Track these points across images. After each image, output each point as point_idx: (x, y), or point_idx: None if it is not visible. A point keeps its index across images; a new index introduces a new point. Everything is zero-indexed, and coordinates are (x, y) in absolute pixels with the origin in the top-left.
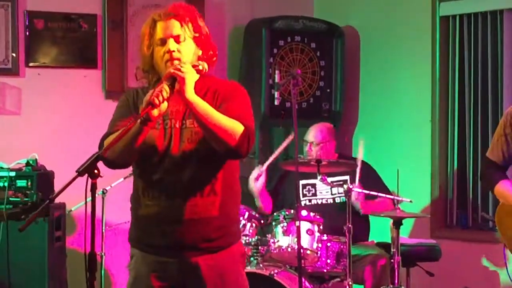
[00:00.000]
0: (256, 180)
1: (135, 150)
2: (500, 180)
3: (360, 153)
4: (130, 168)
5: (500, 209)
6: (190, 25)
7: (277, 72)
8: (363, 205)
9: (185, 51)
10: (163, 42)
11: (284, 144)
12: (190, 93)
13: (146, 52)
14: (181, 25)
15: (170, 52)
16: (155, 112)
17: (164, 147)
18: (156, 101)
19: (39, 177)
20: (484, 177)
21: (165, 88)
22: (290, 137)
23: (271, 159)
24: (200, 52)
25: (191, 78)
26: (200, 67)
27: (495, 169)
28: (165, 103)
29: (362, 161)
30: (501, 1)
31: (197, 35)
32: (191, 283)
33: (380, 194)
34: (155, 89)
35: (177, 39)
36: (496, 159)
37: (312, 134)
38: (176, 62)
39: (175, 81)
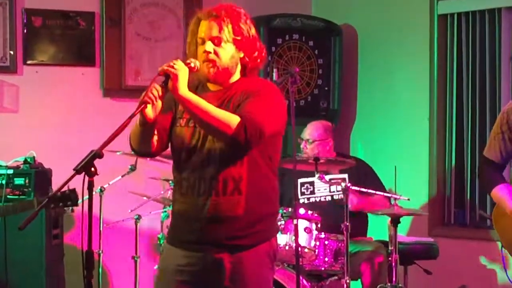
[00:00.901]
0: None
1: (152, 141)
2: (498, 184)
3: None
4: (128, 167)
5: (496, 210)
6: (230, 27)
7: (275, 70)
8: (359, 202)
9: (223, 54)
10: (203, 41)
11: None
12: (183, 89)
13: (190, 49)
14: (221, 28)
15: (206, 53)
16: (150, 111)
17: (192, 145)
18: (148, 100)
19: (37, 175)
20: (482, 177)
21: (156, 86)
22: None
23: None
24: (241, 54)
25: (183, 75)
26: (192, 65)
27: (493, 170)
28: (159, 102)
29: (359, 159)
30: (499, 0)
31: (238, 38)
32: (213, 279)
33: (378, 192)
34: (147, 88)
35: (215, 41)
36: (493, 158)
37: (308, 132)
38: (210, 65)
39: (169, 78)
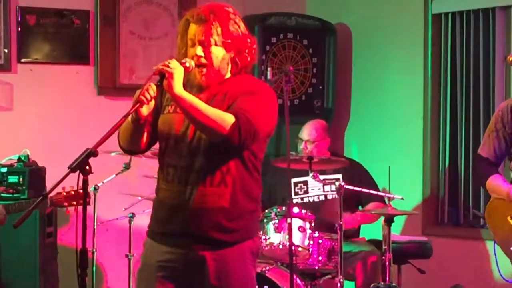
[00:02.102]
0: None
1: (142, 139)
2: (491, 175)
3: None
4: (122, 165)
5: (489, 206)
6: (219, 30)
7: (269, 69)
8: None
9: (214, 57)
10: (193, 43)
11: None
12: (178, 88)
13: (178, 51)
14: (210, 32)
15: (197, 57)
16: (144, 110)
17: (181, 132)
18: (144, 99)
19: (31, 173)
20: (476, 172)
21: (152, 86)
22: None
23: None
24: (232, 54)
25: (178, 73)
26: (187, 64)
27: (487, 165)
28: (153, 101)
29: (353, 160)
30: None
31: (228, 41)
32: (195, 276)
33: (371, 192)
34: (143, 87)
35: (205, 45)
36: (488, 155)
37: (308, 131)
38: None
39: (164, 77)
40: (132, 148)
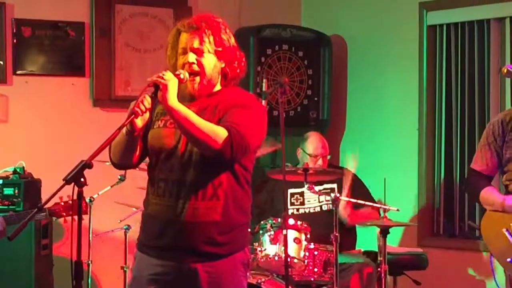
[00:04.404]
0: None
1: (136, 152)
2: (484, 187)
3: (353, 165)
4: (117, 177)
5: (484, 219)
6: (211, 38)
7: (264, 80)
8: (351, 216)
9: (206, 64)
10: (185, 51)
11: (265, 151)
12: (172, 100)
13: (168, 62)
14: (202, 40)
15: (189, 64)
16: (139, 121)
17: (172, 146)
18: (139, 111)
19: (26, 185)
20: (469, 187)
21: (147, 97)
22: (274, 146)
23: None
24: (223, 64)
25: (173, 85)
26: (181, 76)
27: (479, 178)
28: (147, 113)
29: (348, 170)
30: (488, 11)
31: (219, 49)
32: None
33: (367, 203)
34: (137, 99)
35: (197, 52)
36: (481, 169)
37: (321, 147)
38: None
39: (158, 88)
40: (124, 162)
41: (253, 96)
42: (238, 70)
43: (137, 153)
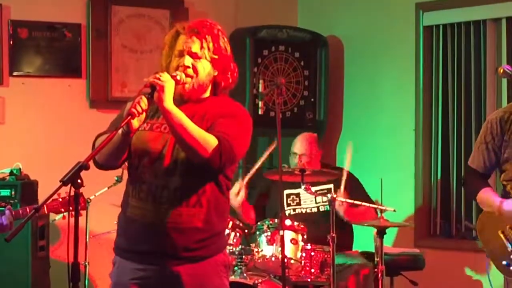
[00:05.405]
0: (237, 195)
1: (124, 154)
2: (482, 188)
3: (347, 162)
4: (114, 178)
5: (480, 220)
6: (210, 45)
7: (261, 81)
8: (346, 212)
9: (200, 70)
10: (181, 54)
11: (265, 155)
12: (168, 102)
13: (164, 61)
14: (201, 45)
15: (184, 67)
16: (135, 122)
17: (157, 151)
18: (135, 112)
19: (23, 187)
20: (467, 185)
21: (143, 98)
22: (271, 147)
23: (251, 173)
24: (216, 73)
25: (169, 87)
26: (178, 78)
27: (477, 178)
28: (144, 114)
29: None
30: (484, 11)
31: (215, 57)
32: None
33: (364, 204)
34: (134, 100)
35: (194, 56)
36: (478, 167)
37: (303, 146)
38: (189, 80)
39: (155, 90)
40: (110, 163)
41: (240, 105)
42: (230, 81)
43: (126, 154)
